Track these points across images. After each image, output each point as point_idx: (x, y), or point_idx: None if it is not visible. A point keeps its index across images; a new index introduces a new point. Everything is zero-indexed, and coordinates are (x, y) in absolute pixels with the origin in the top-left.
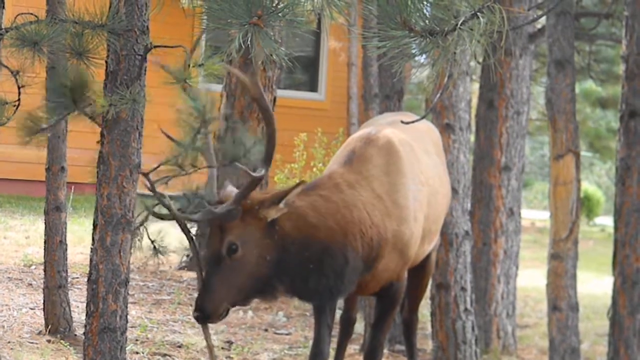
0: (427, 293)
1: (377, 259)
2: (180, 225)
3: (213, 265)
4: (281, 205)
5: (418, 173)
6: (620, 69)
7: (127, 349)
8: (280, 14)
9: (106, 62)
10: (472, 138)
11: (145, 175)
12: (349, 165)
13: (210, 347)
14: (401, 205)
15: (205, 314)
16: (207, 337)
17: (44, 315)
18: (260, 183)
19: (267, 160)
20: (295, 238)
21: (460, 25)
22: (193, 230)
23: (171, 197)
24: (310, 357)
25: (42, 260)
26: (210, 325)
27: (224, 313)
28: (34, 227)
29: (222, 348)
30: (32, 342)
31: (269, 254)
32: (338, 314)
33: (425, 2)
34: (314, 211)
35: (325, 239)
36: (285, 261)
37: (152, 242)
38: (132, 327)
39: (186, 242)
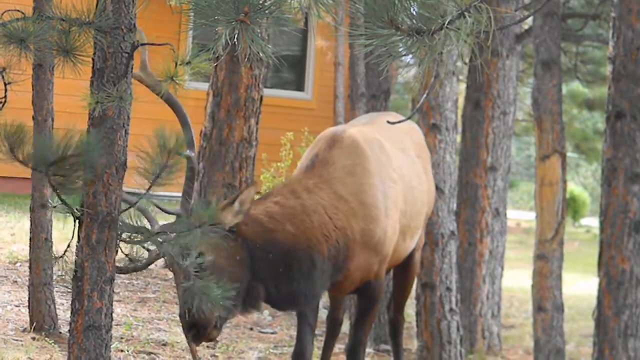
0: (413, 293)
1: (347, 260)
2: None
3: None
4: (235, 206)
5: (389, 170)
6: (607, 70)
7: (112, 346)
8: (267, 12)
9: (93, 59)
10: (459, 138)
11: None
12: (310, 171)
13: (193, 351)
14: (369, 204)
15: (199, 329)
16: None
17: (29, 312)
18: (193, 165)
19: (190, 143)
20: (256, 241)
21: (447, 24)
22: None
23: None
24: (292, 357)
25: (28, 257)
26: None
27: (218, 324)
28: (19, 225)
29: (207, 346)
30: (16, 340)
31: (238, 254)
32: (324, 313)
33: (412, 1)
34: (268, 217)
35: (286, 242)
36: (255, 262)
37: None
38: (117, 325)
39: None
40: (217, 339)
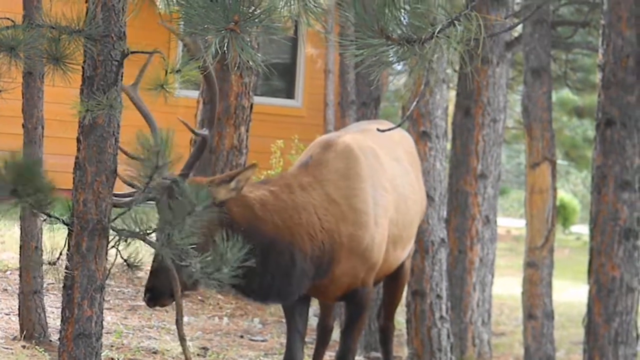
0: (403, 300)
1: (332, 263)
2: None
3: None
4: (232, 184)
5: (381, 179)
6: (597, 77)
7: (102, 355)
8: (257, 20)
9: (83, 67)
10: (449, 146)
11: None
12: (304, 169)
13: (187, 357)
14: (359, 209)
15: (154, 293)
16: (183, 346)
17: (19, 320)
18: (207, 142)
19: (211, 121)
20: (241, 225)
21: (437, 33)
22: None
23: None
24: None
25: (18, 265)
26: (185, 331)
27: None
28: (9, 232)
29: (198, 354)
30: (6, 348)
31: (217, 235)
32: (314, 321)
33: (402, 10)
34: (261, 204)
35: (270, 233)
36: None
37: (125, 260)
38: (107, 333)
39: None
40: (208, 347)
